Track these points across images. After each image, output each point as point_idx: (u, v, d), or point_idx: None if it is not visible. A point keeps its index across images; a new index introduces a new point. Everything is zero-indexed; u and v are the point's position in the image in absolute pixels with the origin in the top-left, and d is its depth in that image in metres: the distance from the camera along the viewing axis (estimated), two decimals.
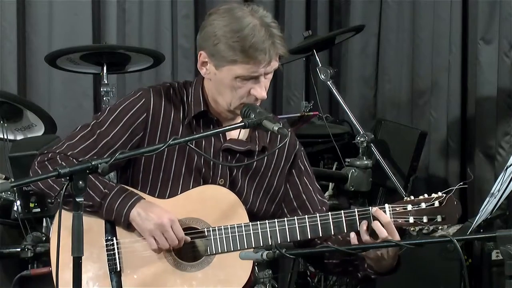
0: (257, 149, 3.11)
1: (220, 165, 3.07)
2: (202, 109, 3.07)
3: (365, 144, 4.56)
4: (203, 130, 3.08)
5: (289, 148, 3.17)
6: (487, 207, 3.63)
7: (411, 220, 2.97)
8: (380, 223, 2.95)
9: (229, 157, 3.09)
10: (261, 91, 2.98)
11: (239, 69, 2.94)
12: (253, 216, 3.05)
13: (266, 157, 3.12)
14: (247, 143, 3.10)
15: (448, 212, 2.96)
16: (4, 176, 4.30)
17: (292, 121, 4.83)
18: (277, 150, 3.13)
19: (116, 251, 3.00)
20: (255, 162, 3.10)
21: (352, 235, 2.98)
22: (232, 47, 2.92)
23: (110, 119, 3.05)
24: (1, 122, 4.38)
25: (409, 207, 2.98)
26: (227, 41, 2.93)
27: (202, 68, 3.04)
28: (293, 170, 3.19)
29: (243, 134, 3.12)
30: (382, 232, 2.94)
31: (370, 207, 3.00)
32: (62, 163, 2.96)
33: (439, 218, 2.96)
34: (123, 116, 3.05)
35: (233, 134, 3.10)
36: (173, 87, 3.12)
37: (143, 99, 3.06)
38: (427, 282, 3.95)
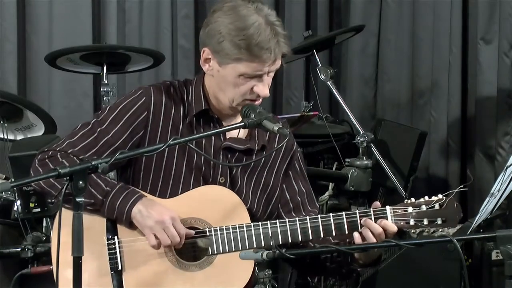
0: (256, 147, 3.11)
1: (220, 164, 3.07)
2: (204, 108, 3.07)
3: (365, 144, 4.56)
4: (203, 128, 3.08)
5: (286, 148, 3.17)
6: (487, 207, 3.64)
7: (412, 222, 2.98)
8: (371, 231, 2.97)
9: (229, 156, 3.09)
10: (264, 88, 2.98)
11: (243, 67, 2.94)
12: (251, 216, 3.05)
13: (264, 158, 3.13)
14: (246, 141, 3.11)
15: (449, 215, 2.97)
16: (4, 176, 4.30)
17: (292, 121, 4.83)
18: (274, 149, 3.14)
19: (117, 250, 3.00)
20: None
21: (356, 235, 2.98)
22: (238, 45, 2.92)
23: (111, 117, 3.05)
24: (1, 122, 4.38)
25: (410, 209, 2.99)
26: (232, 39, 2.93)
27: (205, 65, 3.04)
28: (290, 172, 3.20)
29: (242, 132, 3.12)
30: (371, 238, 2.96)
31: (371, 208, 3.00)
32: (63, 160, 2.96)
33: (439, 221, 2.97)
34: (124, 114, 3.05)
35: (233, 133, 3.10)
36: (174, 85, 3.12)
37: (144, 97, 3.06)
38: (427, 282, 3.95)
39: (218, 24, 2.96)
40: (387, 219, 2.98)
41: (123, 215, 2.97)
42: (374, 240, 2.96)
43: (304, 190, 3.21)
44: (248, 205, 3.08)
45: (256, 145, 3.11)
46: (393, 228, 2.97)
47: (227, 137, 3.09)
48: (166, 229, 2.95)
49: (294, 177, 3.20)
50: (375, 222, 2.97)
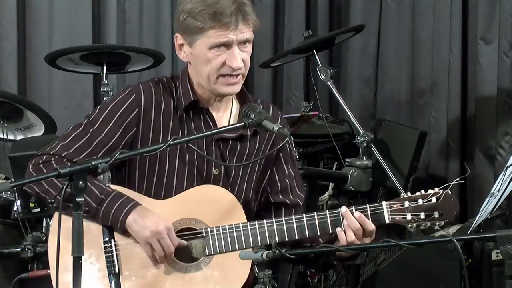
0: (248, 133, 3.12)
1: (214, 155, 3.08)
2: (192, 99, 3.08)
3: (365, 144, 4.56)
4: (194, 121, 3.09)
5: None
6: (487, 207, 3.64)
7: (409, 217, 2.98)
8: (350, 227, 2.96)
9: (221, 146, 3.10)
10: (235, 61, 2.99)
11: (209, 38, 2.98)
12: (246, 204, 3.07)
13: (257, 143, 3.15)
14: (238, 128, 3.11)
15: (446, 208, 2.96)
16: (4, 176, 4.30)
17: (292, 121, 4.83)
18: (267, 134, 3.15)
19: (114, 253, 3.00)
20: (247, 148, 3.12)
21: (339, 229, 2.98)
22: (200, 16, 2.97)
23: (102, 117, 3.06)
24: (1, 122, 4.38)
25: (406, 204, 2.98)
26: (194, 13, 2.98)
27: (180, 52, 3.08)
28: (281, 154, 3.21)
29: (232, 120, 3.14)
30: (350, 236, 2.95)
31: (367, 205, 3.00)
32: (57, 166, 2.95)
33: (436, 214, 2.96)
34: (115, 113, 3.06)
35: (223, 122, 3.13)
36: (162, 81, 3.14)
37: (134, 95, 3.08)
38: (427, 282, 3.95)
39: (182, 6, 3.03)
40: (383, 215, 2.98)
41: (117, 224, 2.98)
42: (354, 236, 2.95)
43: (293, 174, 3.23)
44: (243, 194, 3.10)
45: (248, 130, 3.11)
46: (370, 226, 2.96)
47: (218, 127, 3.09)
48: (161, 239, 2.95)
49: (285, 159, 3.21)
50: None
